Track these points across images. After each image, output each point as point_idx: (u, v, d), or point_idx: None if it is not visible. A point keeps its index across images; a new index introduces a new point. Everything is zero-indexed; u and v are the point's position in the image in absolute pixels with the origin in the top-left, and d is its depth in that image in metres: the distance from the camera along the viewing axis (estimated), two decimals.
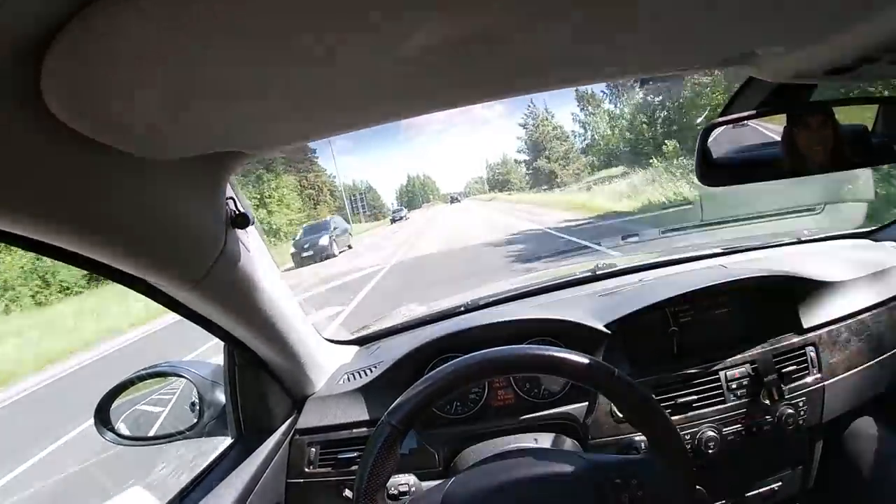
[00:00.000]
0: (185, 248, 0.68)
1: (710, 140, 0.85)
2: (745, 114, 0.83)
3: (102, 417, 1.12)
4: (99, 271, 0.62)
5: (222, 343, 1.01)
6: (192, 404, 1.15)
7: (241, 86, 0.44)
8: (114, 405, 1.14)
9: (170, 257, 0.67)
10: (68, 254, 0.56)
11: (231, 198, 0.76)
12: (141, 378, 1.17)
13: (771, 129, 0.91)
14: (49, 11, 0.33)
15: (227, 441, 1.13)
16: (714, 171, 0.87)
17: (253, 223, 0.80)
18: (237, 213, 0.77)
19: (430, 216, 32.87)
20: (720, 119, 0.84)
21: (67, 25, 0.34)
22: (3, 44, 0.34)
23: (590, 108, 29.46)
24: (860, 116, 0.90)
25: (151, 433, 1.17)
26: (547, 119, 37.13)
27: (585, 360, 0.75)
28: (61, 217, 0.50)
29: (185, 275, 0.70)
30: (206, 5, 0.33)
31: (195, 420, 1.13)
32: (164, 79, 0.40)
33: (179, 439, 1.13)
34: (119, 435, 1.13)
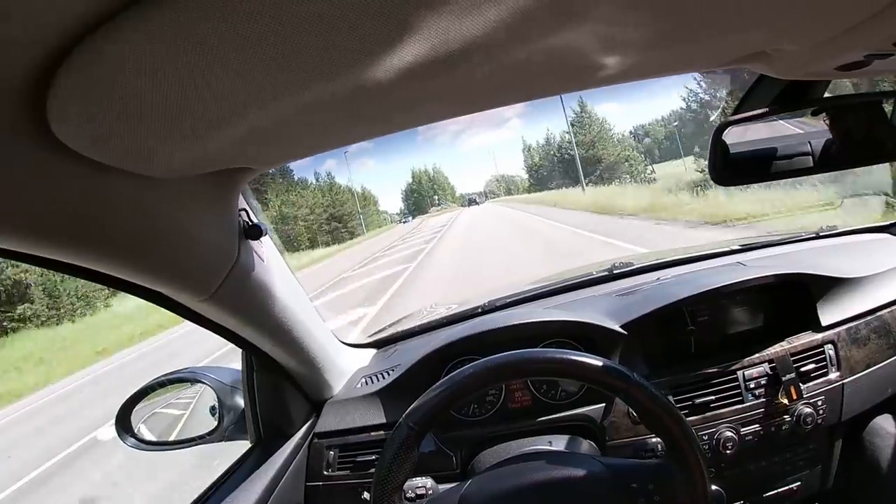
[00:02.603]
0: (199, 261, 0.70)
1: (723, 138, 0.84)
2: (758, 111, 0.82)
3: (124, 423, 1.14)
4: (116, 285, 0.64)
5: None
6: (212, 409, 1.17)
7: (248, 105, 0.44)
8: (134, 411, 1.16)
9: (184, 271, 0.68)
10: (85, 270, 0.58)
11: (244, 209, 0.78)
12: (161, 384, 1.18)
13: (789, 125, 0.90)
14: (52, 39, 0.33)
15: (246, 445, 1.14)
16: (730, 171, 0.87)
17: (267, 234, 0.81)
18: (250, 224, 0.78)
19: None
20: (733, 117, 0.83)
21: (71, 53, 0.33)
22: (8, 72, 0.34)
23: None
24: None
25: (172, 438, 1.19)
26: None
27: (601, 364, 0.75)
28: (72, 237, 0.51)
29: (200, 287, 0.72)
30: (210, 28, 0.33)
31: (215, 425, 1.15)
32: (170, 101, 0.40)
33: (200, 444, 1.15)
34: (140, 440, 1.15)
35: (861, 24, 0.54)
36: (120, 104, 0.39)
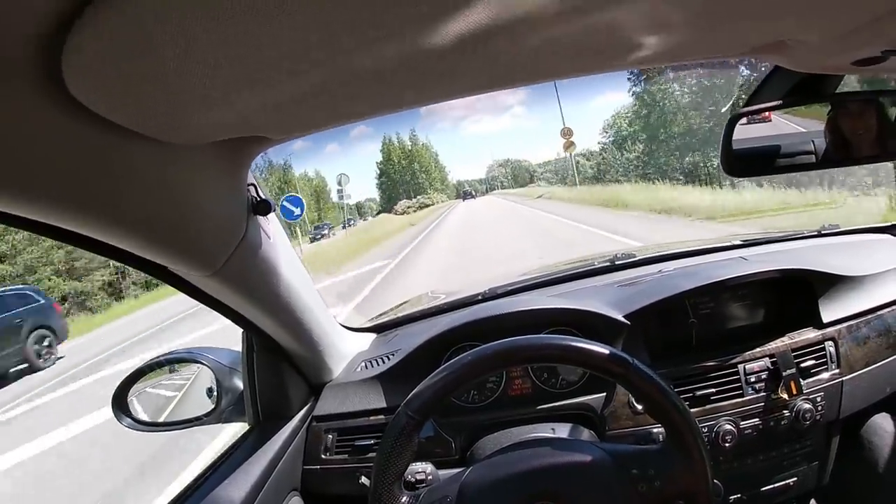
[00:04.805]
0: (207, 234, 0.68)
1: (735, 130, 0.84)
2: (772, 104, 0.83)
3: (120, 403, 1.13)
4: (119, 258, 0.62)
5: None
6: (209, 390, 1.16)
7: (266, 71, 0.43)
8: (131, 391, 1.15)
9: (191, 244, 0.66)
10: (87, 240, 0.56)
11: (252, 184, 0.76)
12: (160, 364, 1.18)
13: (798, 121, 0.90)
14: None
15: (244, 427, 1.14)
16: (740, 162, 0.86)
17: (274, 210, 0.80)
18: (258, 199, 0.76)
19: None
20: (746, 109, 0.83)
21: (89, 7, 0.32)
22: (24, 25, 0.33)
23: None
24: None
25: (170, 419, 1.18)
26: None
27: (603, 350, 0.75)
28: (81, 203, 0.49)
29: (206, 262, 0.70)
30: None
31: (213, 406, 1.14)
32: (188, 62, 0.39)
33: (197, 425, 1.14)
34: (137, 421, 1.14)
35: (883, 16, 0.54)
36: (136, 62, 0.37)
